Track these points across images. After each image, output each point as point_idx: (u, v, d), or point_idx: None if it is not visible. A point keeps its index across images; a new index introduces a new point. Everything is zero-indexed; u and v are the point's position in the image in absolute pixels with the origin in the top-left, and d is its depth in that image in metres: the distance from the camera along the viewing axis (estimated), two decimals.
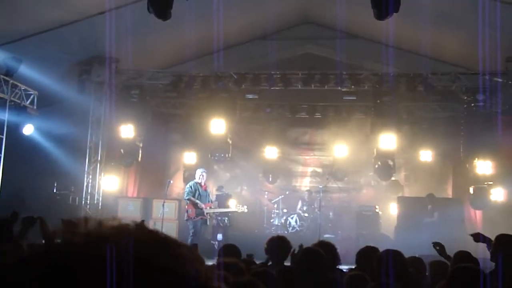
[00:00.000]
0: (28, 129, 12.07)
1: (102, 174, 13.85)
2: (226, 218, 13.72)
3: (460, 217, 13.19)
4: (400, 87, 13.33)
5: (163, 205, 12.74)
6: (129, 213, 13.61)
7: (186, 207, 12.05)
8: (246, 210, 13.20)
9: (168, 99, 15.17)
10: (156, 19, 8.57)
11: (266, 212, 15.47)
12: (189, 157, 16.01)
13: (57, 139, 12.53)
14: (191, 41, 13.34)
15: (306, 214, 14.90)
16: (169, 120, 16.11)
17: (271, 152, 15.73)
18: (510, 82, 13.11)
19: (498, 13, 9.44)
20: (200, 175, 12.21)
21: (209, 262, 5.50)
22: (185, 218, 12.13)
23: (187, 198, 12.01)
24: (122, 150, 13.96)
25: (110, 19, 9.84)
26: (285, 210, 15.13)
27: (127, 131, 13.83)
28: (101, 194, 13.72)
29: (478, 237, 5.35)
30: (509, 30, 10.37)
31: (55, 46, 11.40)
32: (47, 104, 12.72)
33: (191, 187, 12.10)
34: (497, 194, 13.61)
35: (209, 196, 12.44)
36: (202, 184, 12.17)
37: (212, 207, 12.48)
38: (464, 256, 4.86)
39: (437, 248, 5.45)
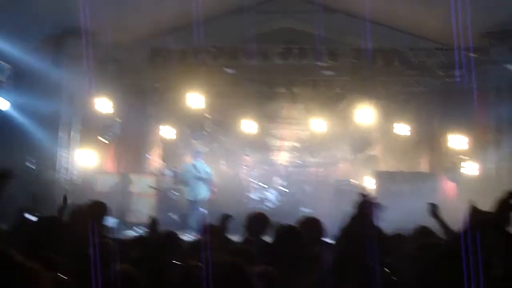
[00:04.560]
0: (4, 104, 11.84)
1: (79, 149, 13.67)
2: None
3: (434, 191, 13.45)
4: (377, 62, 13.36)
5: (141, 180, 12.78)
6: (107, 188, 13.56)
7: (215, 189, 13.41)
8: None
9: (145, 73, 14.96)
10: None
11: (244, 186, 15.55)
12: (167, 131, 15.94)
13: (33, 113, 12.31)
14: (168, 13, 13.14)
15: (283, 189, 15.03)
16: (147, 94, 15.92)
17: (249, 126, 15.72)
18: (485, 58, 13.28)
19: None
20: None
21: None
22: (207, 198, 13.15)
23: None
24: (100, 125, 13.85)
25: None
26: (262, 185, 15.23)
27: (104, 105, 13.67)
28: (78, 170, 13.57)
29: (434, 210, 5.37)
30: (485, 5, 10.43)
31: (28, 18, 11.10)
32: (21, 78, 12.45)
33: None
34: (471, 168, 13.92)
35: None
36: None
37: None
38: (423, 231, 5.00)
39: (431, 209, 5.36)
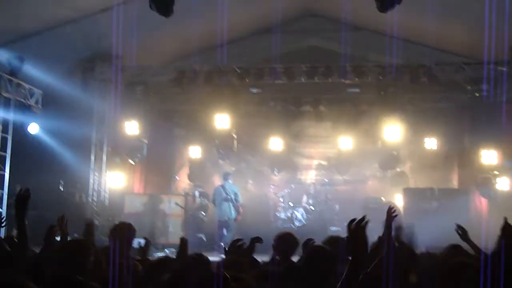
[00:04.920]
0: (34, 128, 12.12)
1: (108, 171, 13.86)
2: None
3: (466, 207, 13.19)
4: (403, 79, 13.28)
5: (169, 201, 12.89)
6: (136, 209, 13.68)
7: (241, 209, 13.56)
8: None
9: (172, 95, 15.13)
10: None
11: (272, 205, 15.48)
12: (194, 151, 16.05)
13: (63, 137, 12.56)
14: (194, 35, 13.30)
15: (312, 207, 14.92)
16: (174, 115, 16.08)
17: (276, 143, 15.69)
18: None
19: (506, 1, 9.32)
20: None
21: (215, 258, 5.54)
22: (236, 218, 13.43)
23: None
24: (128, 147, 14.05)
25: (113, 16, 9.82)
26: (290, 204, 15.13)
27: (132, 127, 13.86)
28: (107, 191, 13.75)
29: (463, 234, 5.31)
30: None
31: (58, 44, 11.39)
32: (51, 103, 12.74)
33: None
34: (503, 184, 13.63)
35: None
36: None
37: None
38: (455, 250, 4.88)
39: (460, 232, 5.32)
